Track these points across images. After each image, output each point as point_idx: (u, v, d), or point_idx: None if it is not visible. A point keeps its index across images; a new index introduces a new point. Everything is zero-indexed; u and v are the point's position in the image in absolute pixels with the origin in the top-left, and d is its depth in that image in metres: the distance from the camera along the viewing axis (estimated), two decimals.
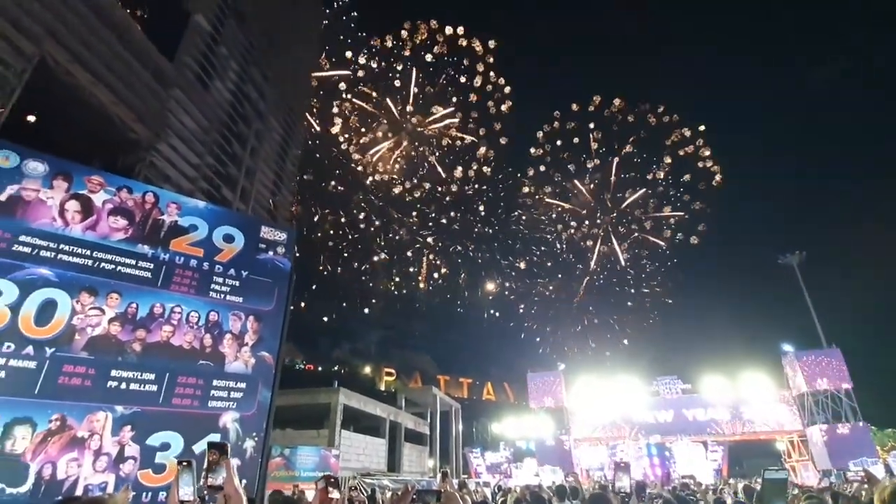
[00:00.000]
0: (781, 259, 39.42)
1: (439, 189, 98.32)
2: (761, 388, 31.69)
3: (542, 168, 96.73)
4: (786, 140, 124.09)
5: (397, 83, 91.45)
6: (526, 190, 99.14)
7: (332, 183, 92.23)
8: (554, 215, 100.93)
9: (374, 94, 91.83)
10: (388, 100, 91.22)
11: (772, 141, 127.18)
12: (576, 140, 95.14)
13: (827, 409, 29.38)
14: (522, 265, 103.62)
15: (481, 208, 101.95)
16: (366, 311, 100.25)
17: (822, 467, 27.81)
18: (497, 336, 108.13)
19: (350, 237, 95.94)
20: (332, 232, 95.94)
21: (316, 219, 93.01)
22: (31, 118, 32.92)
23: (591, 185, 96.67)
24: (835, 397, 29.37)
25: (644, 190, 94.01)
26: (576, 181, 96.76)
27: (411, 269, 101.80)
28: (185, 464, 2.92)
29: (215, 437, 9.44)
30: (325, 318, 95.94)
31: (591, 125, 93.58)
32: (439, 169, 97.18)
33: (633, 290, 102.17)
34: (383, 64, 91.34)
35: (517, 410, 59.34)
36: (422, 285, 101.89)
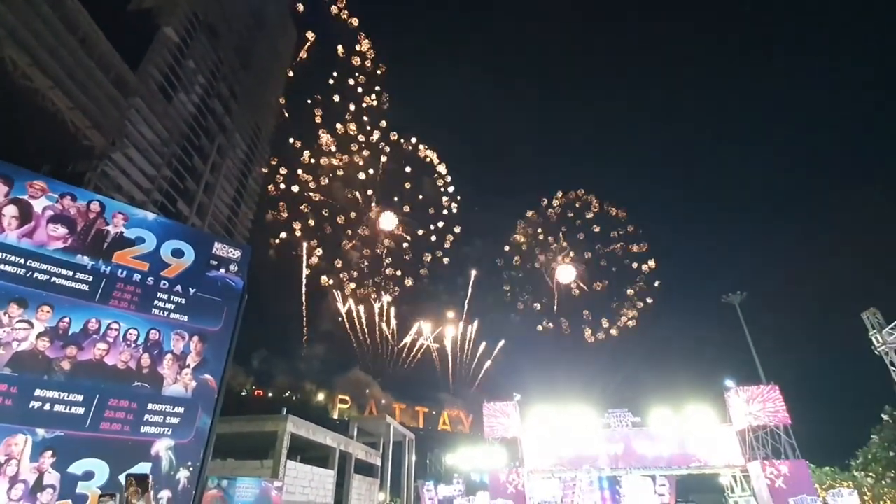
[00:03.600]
0: (725, 298, 41.80)
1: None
2: (706, 423, 32.67)
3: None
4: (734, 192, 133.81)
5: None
6: None
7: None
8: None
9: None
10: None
11: (720, 191, 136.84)
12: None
13: (767, 445, 30.51)
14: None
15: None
16: (319, 337, 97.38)
17: None
18: (455, 365, 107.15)
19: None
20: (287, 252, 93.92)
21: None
22: None
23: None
24: (774, 433, 30.55)
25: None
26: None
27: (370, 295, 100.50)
28: (107, 498, 2.78)
29: (146, 467, 8.84)
30: (278, 343, 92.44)
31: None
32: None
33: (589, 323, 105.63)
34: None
35: (473, 441, 58.48)
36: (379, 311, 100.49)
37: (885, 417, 37.36)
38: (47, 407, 8.01)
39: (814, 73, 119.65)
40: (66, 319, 8.57)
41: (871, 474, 37.26)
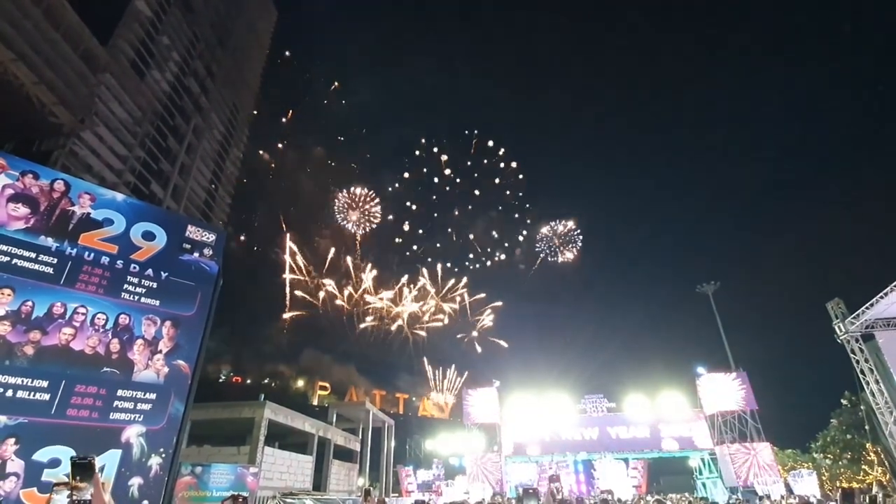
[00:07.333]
0: (699, 288, 43.04)
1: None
2: (678, 408, 33.74)
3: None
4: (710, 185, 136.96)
5: None
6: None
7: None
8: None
9: None
10: None
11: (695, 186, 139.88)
12: None
13: (734, 429, 31.74)
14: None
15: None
16: (296, 323, 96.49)
17: (730, 484, 29.94)
18: (435, 352, 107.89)
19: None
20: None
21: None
22: None
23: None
24: (741, 418, 31.77)
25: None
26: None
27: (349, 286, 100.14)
28: (61, 486, 2.69)
29: (116, 454, 8.65)
30: (256, 329, 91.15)
31: None
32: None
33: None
34: None
35: (452, 427, 59.22)
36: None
37: (844, 402, 39.17)
38: (9, 393, 7.72)
39: (784, 72, 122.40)
40: (29, 303, 8.23)
41: (829, 456, 39.11)
